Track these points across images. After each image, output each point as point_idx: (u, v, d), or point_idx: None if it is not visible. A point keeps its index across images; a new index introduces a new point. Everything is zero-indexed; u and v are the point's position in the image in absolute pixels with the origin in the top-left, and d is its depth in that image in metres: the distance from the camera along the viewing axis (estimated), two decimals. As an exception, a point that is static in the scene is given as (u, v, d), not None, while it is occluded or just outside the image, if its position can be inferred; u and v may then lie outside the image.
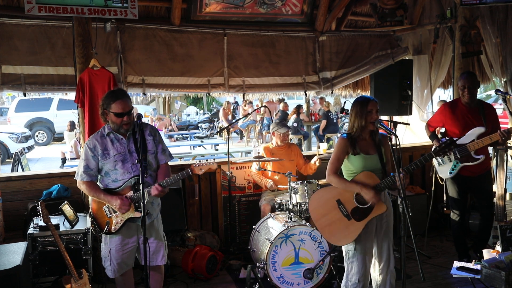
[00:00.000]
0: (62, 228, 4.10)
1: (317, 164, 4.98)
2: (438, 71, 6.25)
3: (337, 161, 3.35)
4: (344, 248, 3.42)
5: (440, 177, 4.71)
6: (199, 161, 3.37)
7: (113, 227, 3.29)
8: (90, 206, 3.43)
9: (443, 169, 4.55)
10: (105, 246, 3.38)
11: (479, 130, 4.29)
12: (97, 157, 3.28)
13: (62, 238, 4.00)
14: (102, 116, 3.30)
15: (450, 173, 4.49)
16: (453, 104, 4.61)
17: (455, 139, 4.40)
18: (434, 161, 4.66)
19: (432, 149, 4.67)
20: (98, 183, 3.39)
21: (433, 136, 4.67)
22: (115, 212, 3.29)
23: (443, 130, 4.73)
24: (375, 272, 3.45)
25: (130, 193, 3.26)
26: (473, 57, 5.58)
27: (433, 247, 5.14)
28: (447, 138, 3.31)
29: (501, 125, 4.51)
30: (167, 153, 3.47)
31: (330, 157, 3.40)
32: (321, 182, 4.51)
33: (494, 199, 4.72)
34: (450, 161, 4.47)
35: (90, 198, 3.43)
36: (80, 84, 4.40)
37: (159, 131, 3.61)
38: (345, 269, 3.43)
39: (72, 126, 11.35)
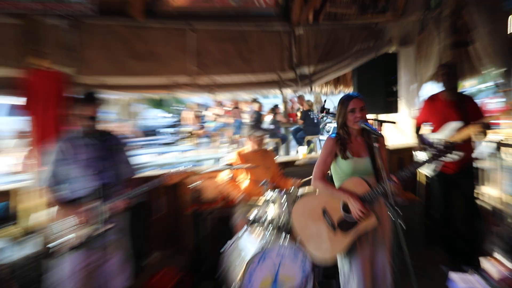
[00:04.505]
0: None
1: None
2: (425, 64, 6.29)
3: (323, 164, 3.24)
4: (338, 263, 3.30)
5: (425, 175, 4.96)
6: (173, 169, 3.44)
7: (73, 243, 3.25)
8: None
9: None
10: (62, 268, 3.27)
11: (456, 124, 4.46)
12: (64, 161, 3.34)
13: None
14: (72, 117, 3.45)
15: (433, 170, 4.72)
16: (433, 98, 4.83)
17: (439, 137, 4.52)
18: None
19: (421, 150, 4.77)
20: (58, 193, 3.40)
21: (418, 134, 4.90)
22: (78, 225, 3.25)
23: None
24: None
25: (93, 204, 3.22)
26: (460, 48, 5.66)
27: (430, 259, 5.13)
28: (445, 142, 3.21)
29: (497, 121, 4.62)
30: (132, 166, 3.59)
31: (317, 160, 3.28)
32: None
33: (477, 202, 4.78)
34: None
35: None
36: (25, 88, 4.27)
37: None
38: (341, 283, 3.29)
39: (19, 135, 11.01)
